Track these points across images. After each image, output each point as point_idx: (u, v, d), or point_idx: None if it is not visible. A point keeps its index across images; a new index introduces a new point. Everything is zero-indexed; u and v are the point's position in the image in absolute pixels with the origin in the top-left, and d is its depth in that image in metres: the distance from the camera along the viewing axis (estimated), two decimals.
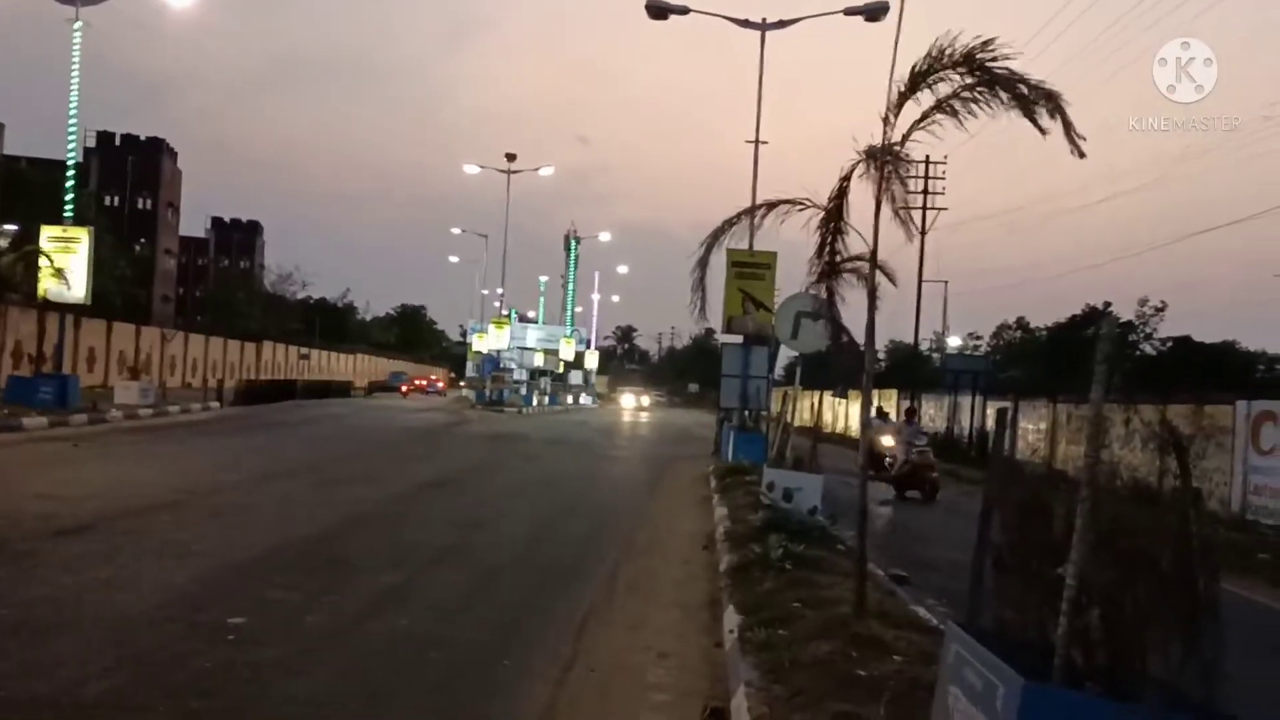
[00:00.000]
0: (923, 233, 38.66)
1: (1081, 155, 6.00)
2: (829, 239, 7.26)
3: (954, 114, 6.33)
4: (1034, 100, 5.99)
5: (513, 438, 28.38)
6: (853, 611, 6.48)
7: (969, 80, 6.13)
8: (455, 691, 5.65)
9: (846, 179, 6.97)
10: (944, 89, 6.27)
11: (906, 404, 32.15)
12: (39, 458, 15.90)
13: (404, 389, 66.84)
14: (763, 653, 5.85)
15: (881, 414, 25.30)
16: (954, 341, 53.30)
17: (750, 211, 9.19)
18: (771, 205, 8.22)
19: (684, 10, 21.52)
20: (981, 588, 3.94)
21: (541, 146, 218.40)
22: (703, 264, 10.88)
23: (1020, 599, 3.44)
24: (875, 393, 15.17)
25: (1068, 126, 5.98)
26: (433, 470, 17.87)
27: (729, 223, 9.97)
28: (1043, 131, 5.99)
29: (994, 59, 6.04)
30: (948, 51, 6.13)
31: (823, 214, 7.23)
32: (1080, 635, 3.08)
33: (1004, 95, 6.04)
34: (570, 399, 65.90)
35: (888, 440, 19.86)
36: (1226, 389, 19.05)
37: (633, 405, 75.21)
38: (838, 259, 7.41)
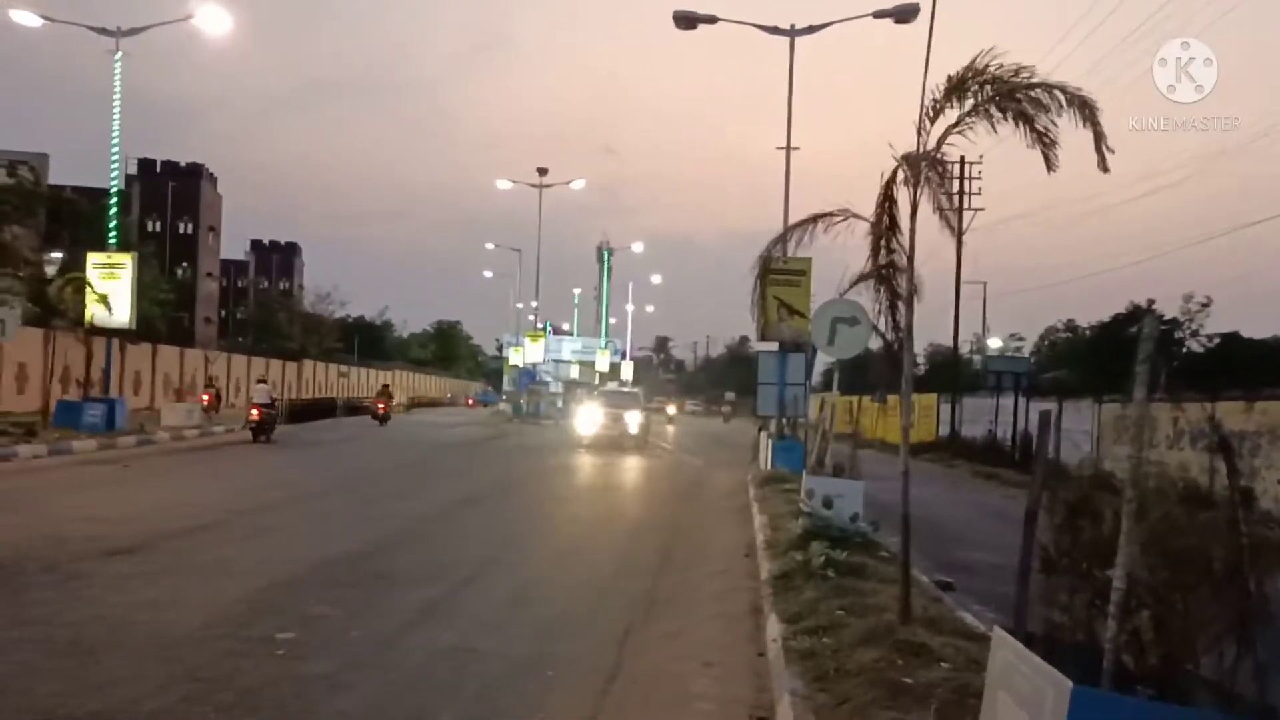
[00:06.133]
0: (959, 234, 38.32)
1: (1105, 169, 5.96)
2: (880, 244, 7.20)
3: (990, 119, 6.36)
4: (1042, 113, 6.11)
5: (548, 450, 28.40)
6: (898, 618, 6.42)
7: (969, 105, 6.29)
8: (499, 704, 5.66)
9: (889, 184, 6.93)
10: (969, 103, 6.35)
11: None
12: (88, 480, 16.18)
13: (469, 400, 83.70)
14: (807, 661, 5.81)
15: None
16: (995, 343, 52.67)
17: (788, 233, 9.02)
18: (817, 219, 8.18)
19: (712, 19, 21.48)
20: (1027, 592, 3.88)
21: (570, 160, 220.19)
22: (761, 279, 11.07)
23: (1068, 602, 3.38)
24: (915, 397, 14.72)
25: (1099, 138, 5.94)
26: (470, 485, 17.95)
27: (776, 242, 10.00)
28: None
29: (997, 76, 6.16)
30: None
31: (872, 222, 7.19)
32: (1130, 638, 3.02)
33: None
34: None
35: None
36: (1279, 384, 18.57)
37: (600, 430, 29.68)
38: (887, 264, 7.35)
